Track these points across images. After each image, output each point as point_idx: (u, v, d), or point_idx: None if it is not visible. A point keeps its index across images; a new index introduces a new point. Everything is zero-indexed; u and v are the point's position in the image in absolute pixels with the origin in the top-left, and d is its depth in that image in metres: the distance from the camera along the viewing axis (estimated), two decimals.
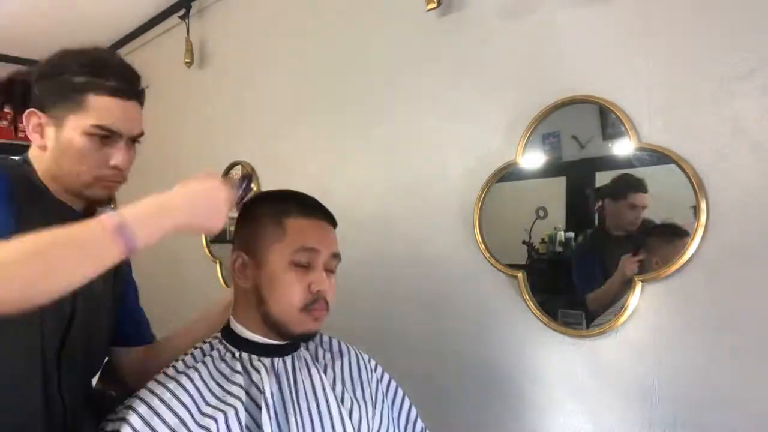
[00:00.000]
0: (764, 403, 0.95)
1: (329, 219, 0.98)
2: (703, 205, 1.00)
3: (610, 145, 1.14)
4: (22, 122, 0.97)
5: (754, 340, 0.96)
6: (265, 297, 0.91)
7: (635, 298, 1.08)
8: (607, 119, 1.13)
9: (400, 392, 1.07)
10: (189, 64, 2.32)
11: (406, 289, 1.53)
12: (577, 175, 1.20)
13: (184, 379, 0.87)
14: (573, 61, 1.19)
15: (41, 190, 0.95)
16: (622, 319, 1.10)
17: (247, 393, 0.88)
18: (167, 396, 0.84)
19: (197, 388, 0.86)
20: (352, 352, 1.06)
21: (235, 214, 0.98)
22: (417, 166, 1.50)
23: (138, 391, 0.87)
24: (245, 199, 0.99)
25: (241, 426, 0.83)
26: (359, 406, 0.96)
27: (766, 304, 0.95)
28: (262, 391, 0.87)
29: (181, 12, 2.33)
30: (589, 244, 1.21)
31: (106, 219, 0.74)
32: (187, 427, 0.82)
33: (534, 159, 1.24)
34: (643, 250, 1.09)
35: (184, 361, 0.92)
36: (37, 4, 2.40)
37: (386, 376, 1.07)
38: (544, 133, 1.23)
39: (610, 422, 1.14)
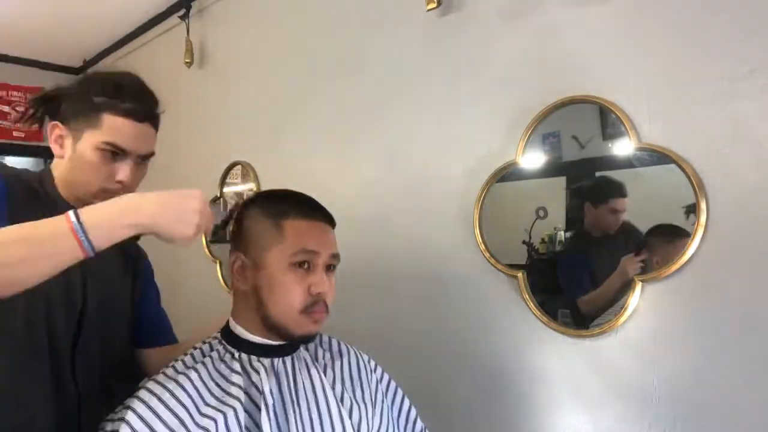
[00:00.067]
0: (764, 402, 0.95)
1: (328, 219, 0.98)
2: (703, 205, 1.00)
3: (610, 145, 1.14)
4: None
5: (754, 340, 0.96)
6: (265, 299, 0.91)
7: (635, 298, 1.09)
8: (607, 119, 1.13)
9: (400, 392, 1.07)
10: (189, 64, 2.32)
11: (406, 289, 1.53)
12: (577, 175, 1.20)
13: (183, 380, 0.86)
14: (573, 61, 1.19)
15: (53, 198, 1.03)
16: (622, 319, 1.10)
17: (247, 393, 0.88)
18: (166, 396, 0.84)
19: (196, 389, 0.86)
20: (352, 353, 1.06)
21: (230, 227, 0.99)
22: (417, 166, 1.50)
23: (137, 391, 0.87)
24: (227, 225, 0.99)
25: (240, 426, 0.83)
26: (359, 407, 0.96)
27: (766, 303, 0.95)
28: (261, 392, 0.87)
29: (181, 12, 2.33)
30: (571, 246, 1.21)
31: (66, 217, 0.78)
32: (186, 428, 0.82)
33: (534, 159, 1.24)
34: (645, 250, 1.08)
35: (183, 361, 0.92)
36: (37, 4, 2.40)
37: (386, 376, 1.07)
38: (544, 133, 1.23)
39: (610, 422, 1.14)
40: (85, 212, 0.80)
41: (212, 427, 0.82)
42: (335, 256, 0.96)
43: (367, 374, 1.03)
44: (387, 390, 1.06)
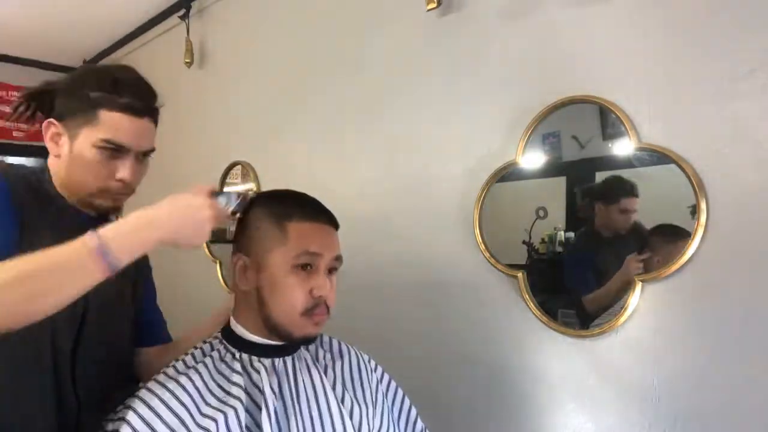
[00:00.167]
0: (764, 402, 0.95)
1: (331, 222, 0.97)
2: (703, 205, 1.00)
3: (610, 145, 1.14)
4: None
5: (754, 340, 0.96)
6: (266, 300, 0.91)
7: (635, 298, 1.08)
8: (607, 119, 1.13)
9: (400, 392, 1.07)
10: (189, 64, 2.32)
11: (406, 289, 1.53)
12: (577, 175, 1.20)
13: (183, 380, 0.86)
14: (573, 61, 1.19)
15: (52, 195, 1.00)
16: (622, 319, 1.10)
17: (247, 393, 0.88)
18: (167, 396, 0.84)
19: (197, 389, 0.86)
20: (352, 353, 1.06)
21: (231, 227, 0.98)
22: (417, 166, 1.50)
23: (138, 390, 0.87)
24: (238, 215, 0.98)
25: (241, 426, 0.83)
26: (359, 407, 0.96)
27: (766, 303, 0.95)
28: (262, 392, 0.87)
29: (181, 12, 2.33)
30: (580, 245, 1.21)
31: (88, 241, 0.78)
32: (187, 427, 0.82)
33: (534, 159, 1.24)
34: (648, 249, 1.08)
35: (184, 361, 0.92)
36: (37, 4, 2.40)
37: (386, 376, 1.07)
38: (544, 133, 1.23)
39: (610, 422, 1.14)
40: (107, 235, 0.80)
41: (213, 427, 0.82)
42: (338, 259, 0.95)
43: (367, 374, 1.03)
44: (387, 390, 1.06)
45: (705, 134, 1.01)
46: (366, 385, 1.01)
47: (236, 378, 0.89)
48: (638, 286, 1.08)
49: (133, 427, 0.80)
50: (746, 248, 0.97)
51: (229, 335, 0.96)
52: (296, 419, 0.88)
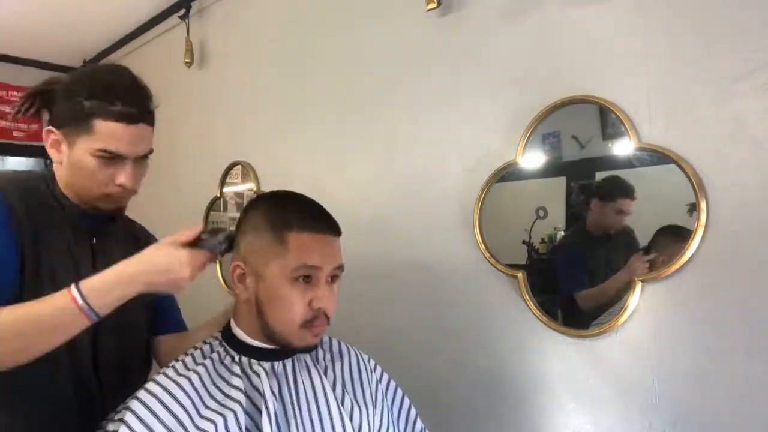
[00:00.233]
0: (764, 402, 0.95)
1: (332, 229, 0.93)
2: (703, 205, 1.00)
3: (610, 145, 1.14)
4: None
5: (754, 340, 0.96)
6: (265, 310, 0.90)
7: (635, 298, 1.08)
8: (607, 119, 1.13)
9: (400, 392, 1.07)
10: (189, 64, 2.32)
11: (406, 289, 1.53)
12: (577, 175, 1.20)
13: (183, 382, 0.86)
14: (572, 61, 1.19)
15: (58, 198, 1.03)
16: (622, 319, 1.10)
17: (247, 396, 0.87)
18: (166, 398, 0.84)
19: (196, 390, 0.86)
20: (352, 353, 1.05)
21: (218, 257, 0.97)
22: (417, 166, 1.50)
23: (137, 392, 0.87)
24: (224, 253, 0.95)
25: (240, 429, 0.83)
26: (359, 408, 0.96)
27: (766, 303, 0.95)
28: (262, 395, 0.87)
29: (181, 12, 2.33)
30: (572, 241, 1.21)
31: (73, 297, 0.86)
32: (186, 429, 0.82)
33: (534, 159, 1.24)
34: (654, 250, 1.08)
35: (183, 362, 0.92)
36: (37, 3, 2.40)
37: (386, 377, 1.07)
38: (544, 133, 1.23)
39: (610, 422, 1.14)
40: (87, 288, 0.87)
41: (211, 429, 0.81)
42: (339, 267, 0.93)
43: (367, 374, 1.03)
44: (387, 390, 1.06)
45: (705, 134, 1.01)
46: (366, 385, 1.01)
47: (236, 381, 0.89)
48: (638, 286, 1.08)
49: (131, 428, 0.80)
50: (746, 248, 0.97)
51: (228, 337, 0.96)
52: (296, 421, 0.88)
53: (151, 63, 2.69)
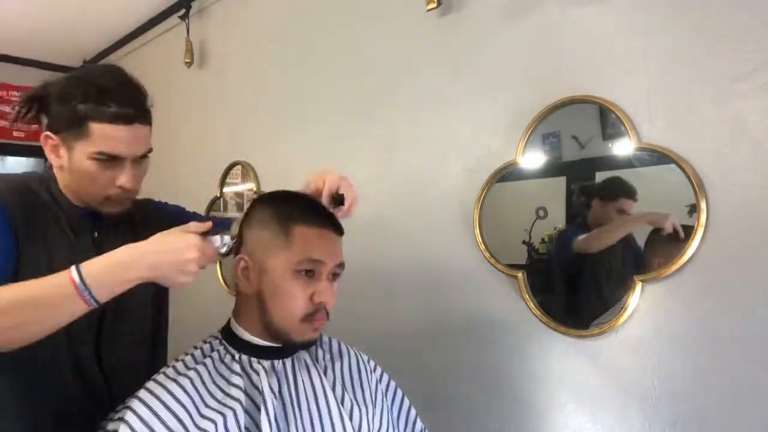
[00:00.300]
0: (764, 402, 0.95)
1: (336, 228, 0.95)
2: (703, 205, 1.00)
3: (610, 145, 1.14)
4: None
5: (754, 340, 0.96)
6: (267, 304, 0.90)
7: (635, 298, 1.08)
8: (607, 119, 1.13)
9: (400, 392, 1.07)
10: (189, 64, 2.32)
11: (406, 288, 1.53)
12: (577, 175, 1.20)
13: (183, 380, 0.86)
14: (573, 61, 1.19)
15: (56, 197, 1.03)
16: (622, 319, 1.10)
17: (247, 395, 0.88)
18: (166, 397, 0.84)
19: (196, 389, 0.86)
20: (352, 353, 1.05)
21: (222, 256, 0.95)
22: (417, 166, 1.50)
23: (138, 391, 0.87)
24: (230, 253, 0.95)
25: (240, 428, 0.83)
26: (359, 408, 0.96)
27: (766, 303, 0.95)
28: (261, 393, 0.87)
29: (181, 12, 2.33)
30: (570, 231, 1.21)
31: (71, 277, 0.82)
32: (186, 428, 0.82)
33: (534, 159, 1.24)
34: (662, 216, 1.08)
35: (184, 361, 0.92)
36: (37, 3, 2.40)
37: (385, 377, 1.07)
38: (544, 133, 1.23)
39: (610, 422, 1.14)
40: (87, 270, 0.83)
41: (212, 428, 0.81)
42: (341, 265, 0.94)
43: (367, 375, 1.03)
44: (387, 390, 1.06)
45: (705, 134, 1.01)
46: (366, 385, 1.01)
47: (236, 379, 0.89)
48: (638, 286, 1.08)
49: (131, 427, 0.80)
50: (746, 248, 0.97)
51: (229, 336, 0.96)
52: (296, 420, 0.88)
53: (151, 63, 2.69)
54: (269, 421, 0.84)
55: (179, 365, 0.91)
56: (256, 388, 0.89)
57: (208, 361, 0.91)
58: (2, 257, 0.94)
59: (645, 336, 1.08)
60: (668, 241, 1.06)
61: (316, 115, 1.81)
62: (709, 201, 1.00)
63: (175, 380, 0.86)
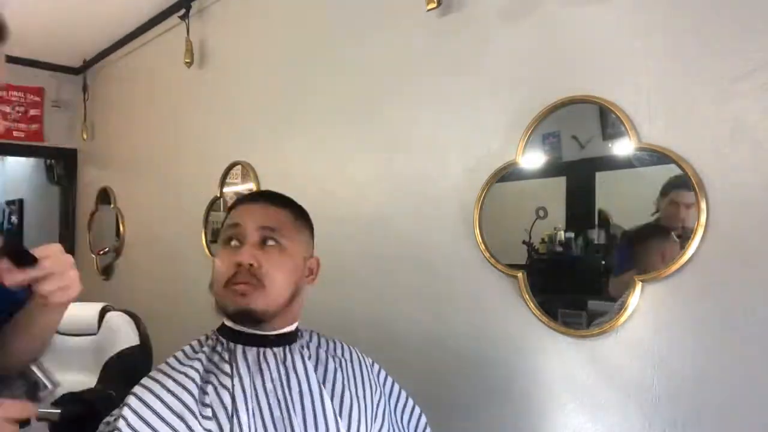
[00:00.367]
0: (764, 402, 0.95)
1: (266, 198, 0.98)
2: (703, 205, 1.00)
3: (610, 145, 1.14)
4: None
5: (754, 340, 0.96)
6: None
7: (635, 298, 1.08)
8: (607, 119, 1.13)
9: (404, 393, 1.07)
10: (189, 64, 2.32)
11: (406, 289, 1.53)
12: (577, 175, 1.20)
13: (178, 375, 0.87)
14: (573, 61, 1.19)
15: None
16: (622, 319, 1.10)
17: (234, 386, 0.88)
18: (162, 392, 0.84)
19: (192, 380, 0.87)
20: (354, 354, 1.05)
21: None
22: (417, 166, 1.50)
23: (134, 387, 0.87)
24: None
25: (228, 415, 0.83)
26: (359, 408, 0.95)
27: (766, 303, 0.95)
28: (242, 385, 0.87)
29: (181, 12, 2.33)
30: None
31: None
32: (186, 423, 0.82)
33: (534, 159, 1.24)
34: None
35: (176, 357, 0.93)
36: (37, 3, 2.40)
37: (388, 379, 1.07)
38: (544, 133, 1.23)
39: (610, 422, 1.14)
40: None
41: (211, 426, 0.82)
42: (265, 228, 0.92)
43: (368, 375, 1.03)
44: (386, 389, 1.05)
45: (705, 134, 1.01)
46: (367, 386, 1.01)
47: (225, 367, 0.89)
48: (638, 286, 1.08)
49: (131, 427, 0.80)
50: (746, 248, 0.97)
51: (221, 326, 0.98)
52: (282, 418, 0.88)
53: (151, 63, 2.69)
54: (248, 413, 0.84)
55: (172, 360, 0.92)
56: (241, 379, 0.88)
57: (201, 354, 0.92)
58: None
59: (645, 336, 1.08)
60: (668, 241, 1.06)
61: (316, 115, 1.81)
62: (709, 201, 1.00)
63: (169, 375, 0.88)
